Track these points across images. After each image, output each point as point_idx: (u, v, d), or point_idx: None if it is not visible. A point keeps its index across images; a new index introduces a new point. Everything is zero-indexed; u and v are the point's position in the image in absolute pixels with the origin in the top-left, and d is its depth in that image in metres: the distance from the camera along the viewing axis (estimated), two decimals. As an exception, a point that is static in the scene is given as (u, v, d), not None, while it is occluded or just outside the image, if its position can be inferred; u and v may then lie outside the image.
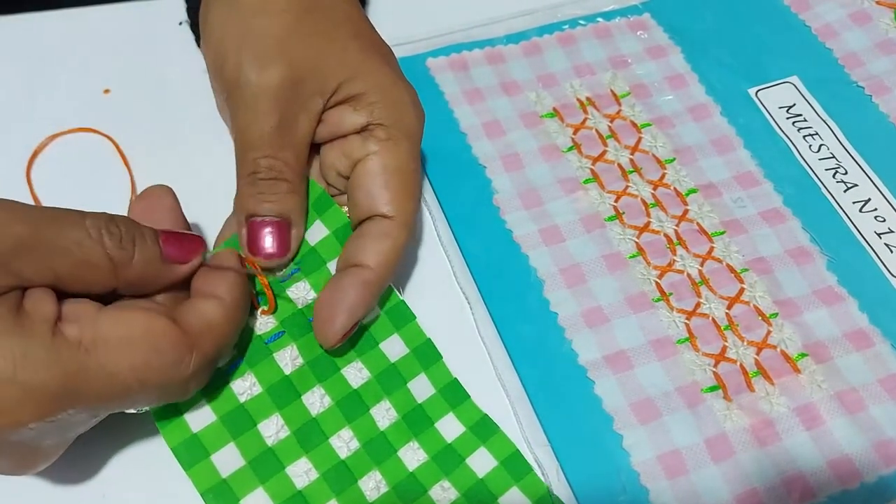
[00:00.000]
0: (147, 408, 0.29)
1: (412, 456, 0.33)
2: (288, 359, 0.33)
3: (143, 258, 0.28)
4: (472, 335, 0.37)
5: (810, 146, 0.42)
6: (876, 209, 0.39)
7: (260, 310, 0.33)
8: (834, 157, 0.41)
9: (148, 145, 0.42)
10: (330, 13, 0.34)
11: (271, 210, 0.33)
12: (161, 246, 0.28)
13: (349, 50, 0.34)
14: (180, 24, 0.46)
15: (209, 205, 0.36)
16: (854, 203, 0.40)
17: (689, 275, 0.38)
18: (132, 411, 0.29)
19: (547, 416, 0.34)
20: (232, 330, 0.29)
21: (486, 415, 0.34)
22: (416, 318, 0.35)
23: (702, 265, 0.38)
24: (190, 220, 0.33)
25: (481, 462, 0.33)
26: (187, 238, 0.30)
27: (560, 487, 0.32)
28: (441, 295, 0.38)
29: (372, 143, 0.33)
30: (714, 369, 0.35)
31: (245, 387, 0.32)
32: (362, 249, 0.32)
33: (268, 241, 0.33)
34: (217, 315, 0.29)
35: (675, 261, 0.38)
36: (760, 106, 0.43)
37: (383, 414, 0.33)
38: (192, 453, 0.30)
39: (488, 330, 0.36)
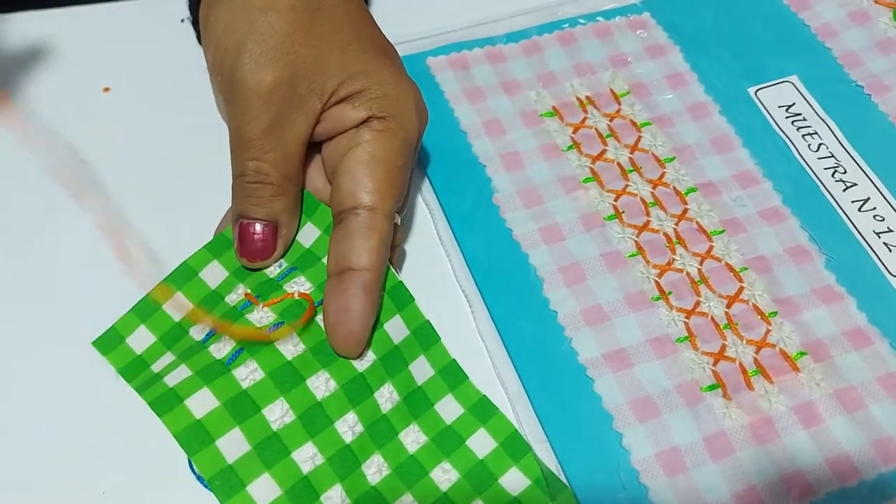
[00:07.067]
0: None
1: (413, 438, 0.33)
2: (289, 345, 0.32)
3: None
4: (472, 333, 0.37)
5: (809, 145, 0.42)
6: (875, 208, 0.39)
7: (261, 304, 0.33)
8: (833, 156, 0.41)
9: (148, 143, 0.42)
10: (333, 13, 0.34)
11: (258, 213, 0.33)
12: None
13: (349, 51, 0.34)
14: (182, 21, 0.46)
15: (209, 202, 0.36)
16: (853, 202, 0.40)
17: (688, 274, 0.38)
18: None
19: (546, 414, 0.34)
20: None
21: (484, 396, 0.34)
22: (414, 299, 0.35)
23: (701, 264, 0.38)
24: (190, 215, 0.33)
25: (481, 443, 0.33)
26: None
27: (559, 485, 0.33)
28: (441, 293, 0.38)
29: (365, 132, 0.33)
30: (713, 368, 0.35)
31: (246, 373, 0.32)
32: (353, 250, 0.32)
33: (253, 243, 0.34)
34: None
35: (674, 260, 0.38)
36: (760, 105, 0.43)
37: (386, 397, 0.33)
38: (197, 439, 0.30)
39: (488, 328, 0.36)
